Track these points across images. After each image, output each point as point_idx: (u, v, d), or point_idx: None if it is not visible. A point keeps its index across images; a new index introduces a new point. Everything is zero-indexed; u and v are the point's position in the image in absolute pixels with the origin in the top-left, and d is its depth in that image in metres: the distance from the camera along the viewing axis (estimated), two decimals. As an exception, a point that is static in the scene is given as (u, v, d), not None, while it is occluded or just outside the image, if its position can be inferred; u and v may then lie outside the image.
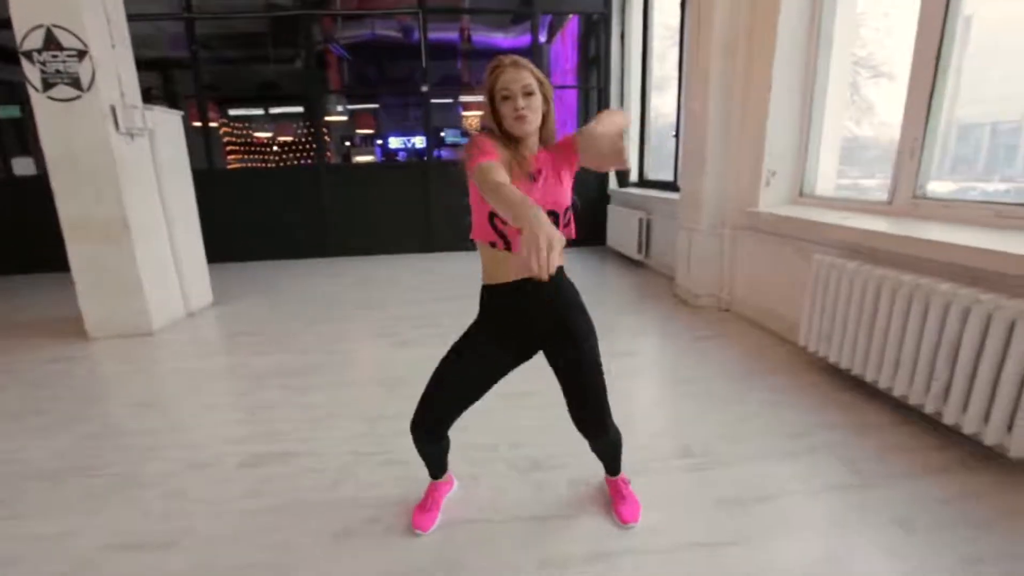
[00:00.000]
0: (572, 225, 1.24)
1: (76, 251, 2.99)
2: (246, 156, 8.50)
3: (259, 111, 9.12)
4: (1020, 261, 1.53)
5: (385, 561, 1.32)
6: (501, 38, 8.67)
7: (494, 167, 1.04)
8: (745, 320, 3.16)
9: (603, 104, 5.98)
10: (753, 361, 2.54)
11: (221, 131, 8.16)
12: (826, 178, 2.90)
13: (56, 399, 2.33)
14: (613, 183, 5.94)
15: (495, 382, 1.32)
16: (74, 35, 2.72)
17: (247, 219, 5.59)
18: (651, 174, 5.51)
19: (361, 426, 2.01)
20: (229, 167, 7.95)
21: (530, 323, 1.26)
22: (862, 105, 3.03)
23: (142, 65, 6.72)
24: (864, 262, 2.09)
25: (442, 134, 10.50)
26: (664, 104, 5.38)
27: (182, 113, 3.52)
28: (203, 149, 5.37)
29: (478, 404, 1.30)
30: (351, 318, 3.48)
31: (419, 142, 10.55)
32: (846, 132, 2.94)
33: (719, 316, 3.28)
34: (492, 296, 1.27)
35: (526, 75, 1.14)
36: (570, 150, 1.21)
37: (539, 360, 1.34)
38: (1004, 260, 1.58)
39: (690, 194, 3.46)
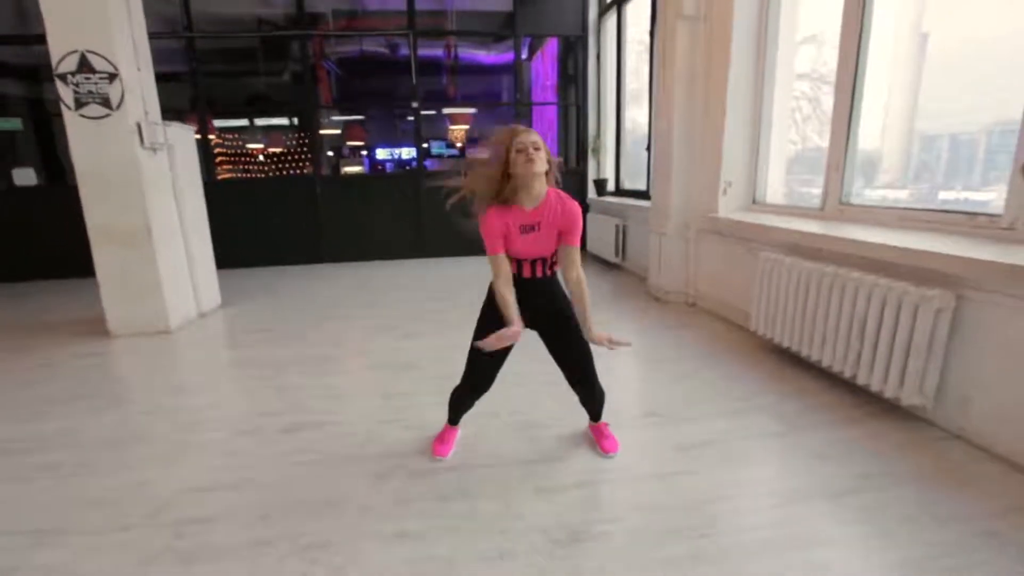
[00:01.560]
0: (558, 262, 1.68)
1: (102, 255, 3.25)
2: (236, 167, 8.70)
3: (244, 122, 9.35)
4: (909, 254, 1.95)
5: (417, 490, 1.66)
6: (484, 55, 9.12)
7: (498, 262, 1.60)
8: (708, 313, 3.59)
9: (582, 119, 6.43)
10: (713, 344, 2.95)
11: (212, 143, 8.36)
12: (774, 188, 3.36)
13: (98, 386, 2.60)
14: (592, 192, 6.38)
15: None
16: (106, 59, 3.01)
17: (245, 227, 5.83)
18: (627, 183, 5.96)
19: (379, 401, 2.34)
20: (219, 177, 8.15)
21: (530, 310, 1.67)
22: (823, 118, 3.49)
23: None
24: (800, 258, 2.52)
25: (424, 145, 10.87)
26: (640, 115, 5.84)
27: (194, 128, 3.80)
28: (203, 161, 5.61)
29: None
30: (354, 316, 3.79)
31: (405, 153, 10.89)
32: (810, 143, 3.38)
33: (686, 310, 3.70)
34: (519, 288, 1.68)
35: (535, 138, 1.55)
36: (567, 231, 1.62)
37: (529, 347, 1.73)
38: (900, 253, 2.01)
39: (659, 202, 3.90)
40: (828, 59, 3.24)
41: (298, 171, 8.89)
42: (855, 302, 2.15)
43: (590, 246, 6.08)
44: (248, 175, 8.90)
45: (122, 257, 3.25)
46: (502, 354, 1.70)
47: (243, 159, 8.77)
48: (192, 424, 2.17)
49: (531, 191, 1.56)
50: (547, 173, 1.59)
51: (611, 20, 5.79)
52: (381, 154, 11.00)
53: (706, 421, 2.08)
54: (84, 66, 3.00)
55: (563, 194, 1.63)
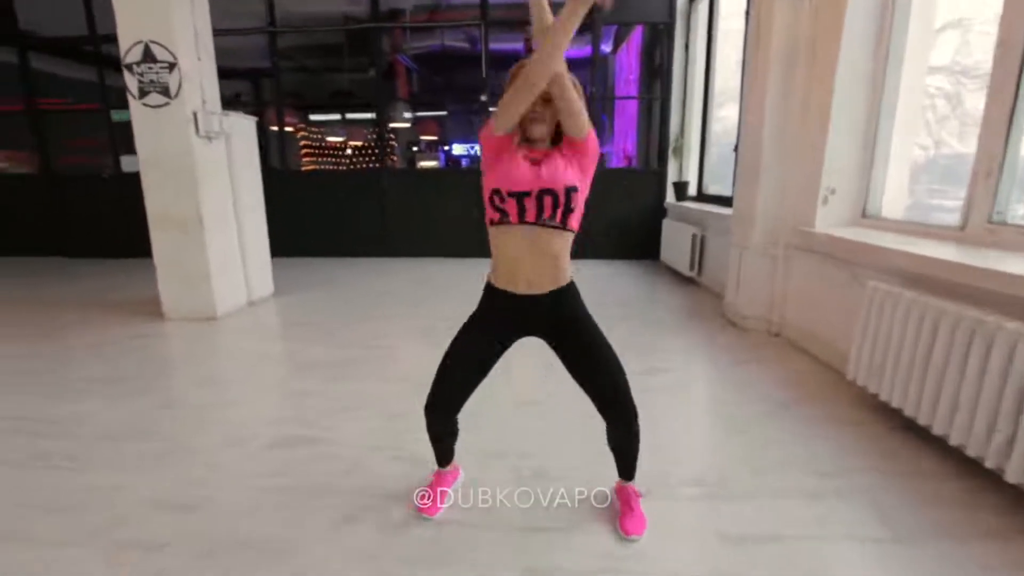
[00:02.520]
0: (577, 212, 1.26)
1: (158, 241, 3.34)
2: (320, 159, 9.08)
3: (336, 117, 9.74)
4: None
5: (377, 549, 1.37)
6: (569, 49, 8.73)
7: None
8: (794, 346, 2.96)
9: (665, 115, 5.84)
10: (794, 389, 2.38)
11: (298, 135, 8.78)
12: (893, 198, 2.67)
13: (132, 371, 2.62)
14: (671, 196, 5.79)
15: (502, 351, 1.39)
16: (167, 49, 3.06)
17: (313, 217, 5.97)
18: (710, 188, 5.31)
19: (379, 421, 2.09)
20: (303, 168, 8.56)
21: (534, 324, 1.34)
22: (966, 119, 2.78)
23: (235, 74, 7.38)
24: (926, 293, 1.91)
25: None
26: (731, 114, 5.17)
27: (255, 119, 3.84)
28: (279, 151, 5.82)
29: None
30: (398, 316, 3.63)
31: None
32: (946, 148, 2.70)
33: (767, 340, 3.10)
34: (499, 299, 1.32)
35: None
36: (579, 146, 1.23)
37: (558, 366, 1.38)
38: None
39: (743, 209, 3.31)
40: (976, 49, 2.56)
41: (377, 164, 9.11)
42: (1009, 364, 1.54)
43: (663, 255, 5.51)
44: (335, 167, 9.27)
45: (175, 243, 3.33)
46: (475, 372, 1.37)
47: (325, 152, 9.14)
48: (193, 424, 2.07)
49: (538, 145, 1.25)
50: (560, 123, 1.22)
51: (703, 5, 5.16)
52: (458, 149, 11.01)
53: (772, 501, 1.58)
54: (147, 56, 3.08)
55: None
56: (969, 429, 1.66)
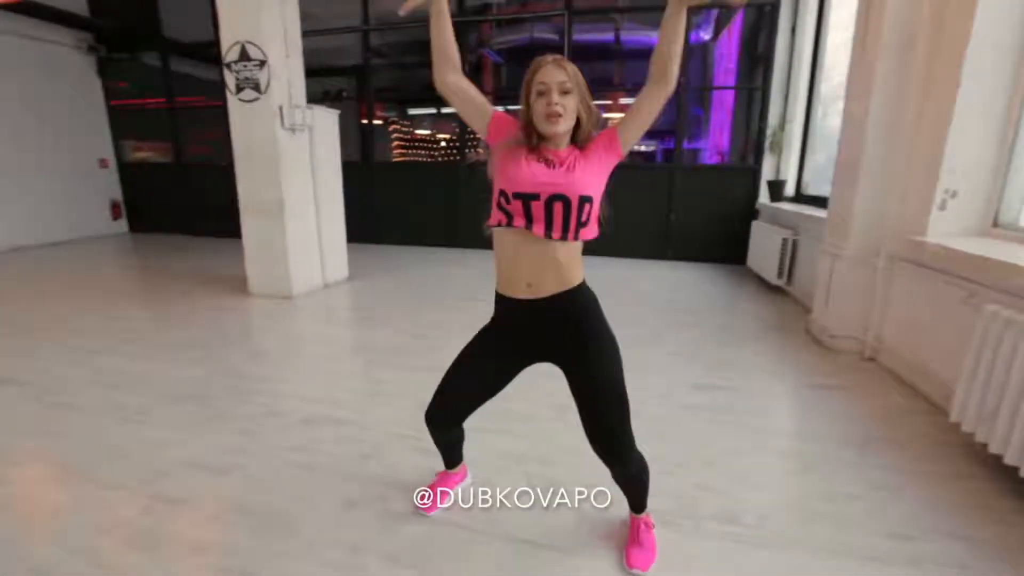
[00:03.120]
0: (592, 224, 1.13)
1: (247, 224, 3.67)
2: (410, 151, 9.49)
3: (433, 111, 10.10)
4: None
5: (375, 538, 1.37)
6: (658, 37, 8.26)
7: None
8: (890, 374, 2.53)
9: (764, 107, 5.31)
10: (880, 426, 2.02)
11: (390, 128, 9.24)
12: (1039, 205, 2.16)
13: (206, 339, 2.90)
14: (764, 196, 5.25)
15: (506, 382, 1.29)
16: (259, 48, 3.33)
17: (392, 207, 6.23)
18: (810, 188, 4.73)
19: (410, 409, 2.09)
20: (395, 159, 9.00)
21: (540, 336, 1.21)
22: None
23: (341, 71, 7.92)
24: (1058, 323, 1.51)
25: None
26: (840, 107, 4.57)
27: (338, 112, 4.06)
28: (363, 143, 6.15)
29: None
30: (457, 308, 3.66)
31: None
32: None
33: (857, 364, 2.68)
34: (504, 306, 1.22)
35: (565, 74, 1.08)
36: (610, 137, 1.13)
37: None
38: None
39: (838, 212, 2.88)
40: None
41: (458, 157, 9.33)
42: None
43: (750, 260, 5.02)
44: (426, 159, 9.65)
45: (261, 227, 3.63)
46: (478, 386, 1.28)
47: (415, 144, 9.53)
48: (243, 394, 2.22)
49: (553, 140, 1.13)
50: (578, 136, 1.13)
51: (815, -19, 4.59)
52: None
53: (821, 559, 1.33)
54: (243, 55, 3.37)
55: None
56: (1111, 505, 1.28)
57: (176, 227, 6.92)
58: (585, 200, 1.09)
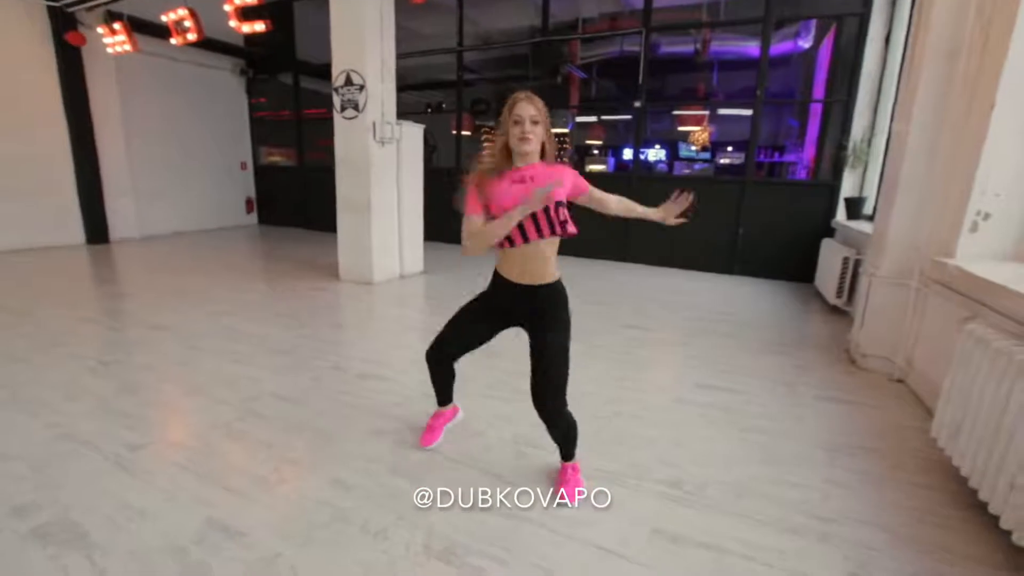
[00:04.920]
0: (570, 222, 1.50)
1: (341, 219, 4.42)
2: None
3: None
4: None
5: (377, 455, 1.84)
6: (753, 47, 8.03)
7: (471, 221, 1.52)
8: (914, 398, 2.50)
9: (847, 121, 5.10)
10: (869, 439, 2.09)
11: (482, 137, 9.96)
12: (1077, 231, 2.08)
13: (302, 311, 3.62)
14: (841, 214, 5.05)
15: (490, 337, 1.73)
16: (359, 75, 4.03)
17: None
18: (890, 206, 4.49)
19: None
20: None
21: (519, 308, 1.61)
22: None
23: (441, 84, 8.75)
24: (1019, 341, 1.56)
25: (689, 149, 10.34)
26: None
27: (423, 126, 4.70)
28: (456, 152, 6.82)
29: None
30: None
31: (652, 155, 10.64)
32: None
33: (882, 384, 2.67)
34: (497, 279, 1.64)
35: (535, 109, 1.47)
36: (578, 186, 1.59)
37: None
38: None
39: (879, 231, 2.87)
40: None
41: (544, 167, 9.76)
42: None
43: (817, 280, 4.87)
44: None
45: (352, 222, 4.35)
46: (471, 334, 1.71)
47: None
48: (320, 352, 2.84)
49: (523, 158, 1.52)
50: (545, 152, 1.54)
51: (908, -10, 4.37)
52: (628, 154, 11.04)
53: (737, 520, 1.55)
54: (348, 81, 4.09)
55: (555, 165, 1.57)
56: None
57: (295, 221, 8.16)
58: (558, 204, 1.47)
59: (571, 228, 1.49)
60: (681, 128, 8.30)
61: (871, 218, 4.69)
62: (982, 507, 1.56)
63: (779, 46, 7.65)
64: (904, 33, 4.37)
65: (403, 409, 2.20)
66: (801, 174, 7.68)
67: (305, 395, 2.31)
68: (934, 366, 2.43)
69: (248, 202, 8.36)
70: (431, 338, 1.78)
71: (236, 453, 1.85)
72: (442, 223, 5.76)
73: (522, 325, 1.63)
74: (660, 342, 3.22)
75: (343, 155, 4.27)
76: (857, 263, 3.97)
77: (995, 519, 1.49)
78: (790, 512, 1.60)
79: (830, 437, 2.09)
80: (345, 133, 4.22)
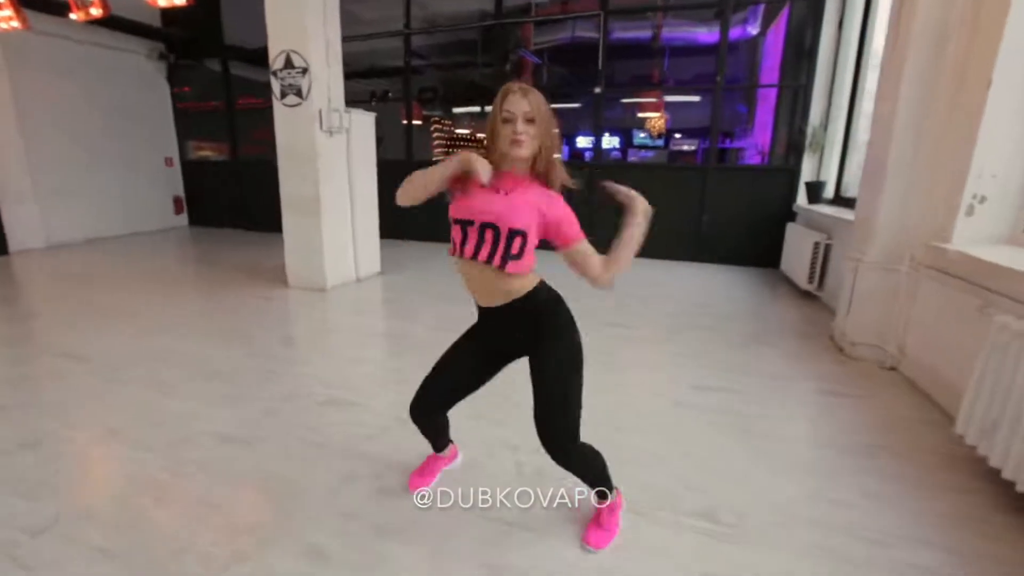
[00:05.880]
0: (525, 260, 1.18)
1: (287, 218, 3.95)
2: (450, 149, 9.76)
3: (476, 109, 10.30)
4: None
5: (366, 509, 1.51)
6: (704, 33, 8.05)
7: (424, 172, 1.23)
8: (910, 385, 2.44)
9: (805, 105, 5.13)
10: (884, 436, 1.98)
11: (432, 127, 9.52)
12: (1074, 212, 2.04)
13: (245, 325, 3.17)
14: (803, 198, 5.08)
15: (484, 380, 1.39)
16: (301, 57, 3.57)
17: (429, 204, 6.44)
18: (851, 190, 4.54)
19: (417, 397, 2.25)
20: (435, 158, 9.27)
21: (502, 333, 1.30)
22: None
23: (386, 72, 8.23)
24: (1064, 336, 1.45)
25: (640, 135, 10.33)
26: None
27: (374, 115, 4.28)
28: (406, 142, 6.39)
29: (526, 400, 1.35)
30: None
31: (607, 142, 10.59)
32: None
33: (876, 373, 2.60)
34: (477, 309, 1.33)
35: (530, 104, 1.14)
36: (556, 230, 1.20)
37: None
38: None
39: (863, 216, 2.80)
40: None
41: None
42: None
43: (783, 264, 4.89)
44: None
45: (299, 222, 3.90)
46: (460, 379, 1.38)
47: (455, 143, 9.77)
48: (268, 375, 2.44)
49: (513, 165, 1.19)
50: (537, 163, 1.19)
51: (863, -26, 4.39)
52: (582, 142, 10.93)
53: (794, 561, 1.36)
54: (288, 63, 3.62)
55: (551, 192, 1.21)
56: (1103, 525, 1.24)
57: (232, 221, 7.44)
58: (515, 233, 1.14)
59: (518, 267, 1.17)
60: (640, 115, 8.21)
61: (832, 202, 4.74)
62: (1033, 514, 1.45)
63: (715, 33, 7.72)
64: (860, 17, 4.38)
65: (378, 444, 1.88)
66: (752, 159, 7.82)
67: (255, 433, 1.93)
68: (930, 352, 2.37)
69: (176, 201, 7.54)
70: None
71: (172, 522, 1.46)
72: (398, 219, 5.37)
73: (518, 355, 1.33)
74: (644, 340, 3.04)
75: (286, 147, 3.80)
76: (828, 248, 3.97)
77: (1051, 528, 1.37)
78: (841, 537, 1.43)
79: (845, 438, 1.96)
80: (287, 122, 3.75)
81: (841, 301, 2.98)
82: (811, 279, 4.07)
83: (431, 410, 1.44)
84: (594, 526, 1.39)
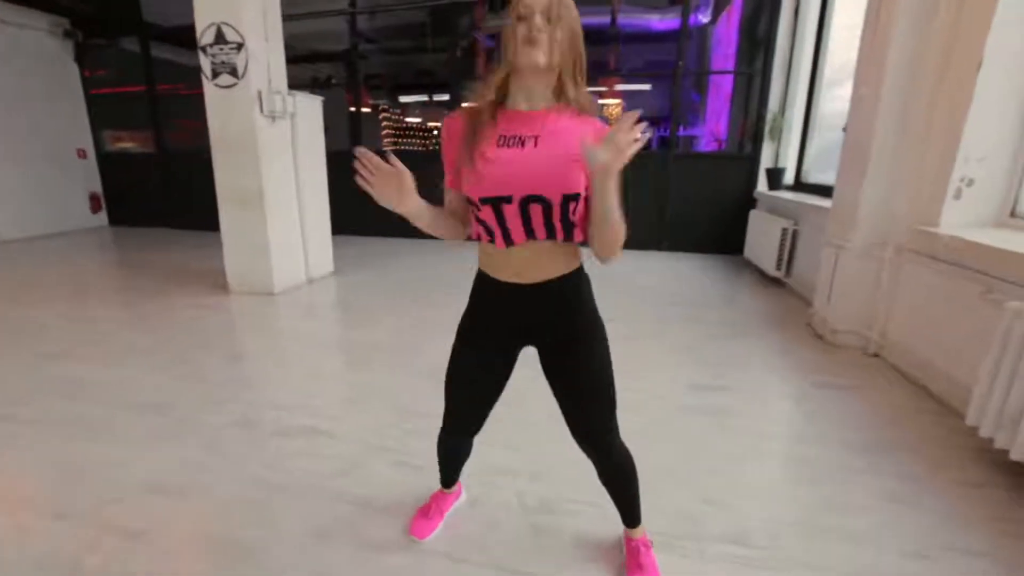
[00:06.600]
0: (579, 225, 0.95)
1: (225, 216, 3.50)
2: (401, 140, 9.28)
3: (424, 97, 9.85)
4: None
5: (345, 570, 1.23)
6: (657, 20, 8.03)
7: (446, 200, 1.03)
8: (897, 372, 2.41)
9: (764, 92, 5.14)
10: (889, 430, 1.90)
11: (380, 116, 9.02)
12: (1060, 194, 2.03)
13: (180, 342, 2.74)
14: (763, 184, 5.12)
15: (508, 369, 1.12)
16: (235, 30, 3.13)
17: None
18: (811, 176, 4.60)
19: (390, 416, 1.97)
20: (383, 149, 8.79)
21: (518, 316, 1.04)
22: None
23: (330, 56, 7.66)
24: (1092, 324, 1.38)
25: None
26: (845, 94, 4.43)
27: (322, 99, 3.88)
28: (351, 131, 5.95)
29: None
30: (443, 304, 3.51)
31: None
32: None
33: (861, 360, 2.57)
34: (482, 283, 1.07)
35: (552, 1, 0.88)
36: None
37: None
38: None
39: (845, 202, 2.75)
40: None
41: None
42: None
43: (747, 251, 4.90)
44: (419, 148, 9.42)
45: (239, 219, 3.46)
46: (486, 386, 1.13)
47: (406, 132, 9.32)
48: (209, 401, 2.08)
49: (529, 91, 0.93)
50: (563, 84, 0.92)
51: (820, -39, 4.41)
52: (538, 133, 10.72)
53: (832, 582, 1.22)
54: (219, 38, 3.17)
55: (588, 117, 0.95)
56: None
57: (160, 219, 6.71)
58: (570, 198, 0.89)
59: (582, 232, 0.96)
60: (600, 102, 8.09)
61: (792, 188, 4.79)
62: (1067, 511, 1.38)
63: (675, 21, 7.73)
64: (819, 7, 4.40)
65: (352, 479, 1.59)
66: (708, 147, 7.90)
67: (198, 478, 1.60)
68: (917, 339, 2.34)
69: (93, 199, 6.71)
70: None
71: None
72: (348, 212, 4.97)
73: (533, 343, 1.08)
74: (635, 335, 2.88)
75: (221, 134, 3.35)
76: (795, 234, 3.97)
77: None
78: (876, 554, 1.30)
79: (853, 435, 1.87)
80: (221, 106, 3.30)
81: (820, 288, 2.94)
82: (779, 265, 4.07)
83: (467, 434, 1.22)
84: (636, 570, 1.17)
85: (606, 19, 7.01)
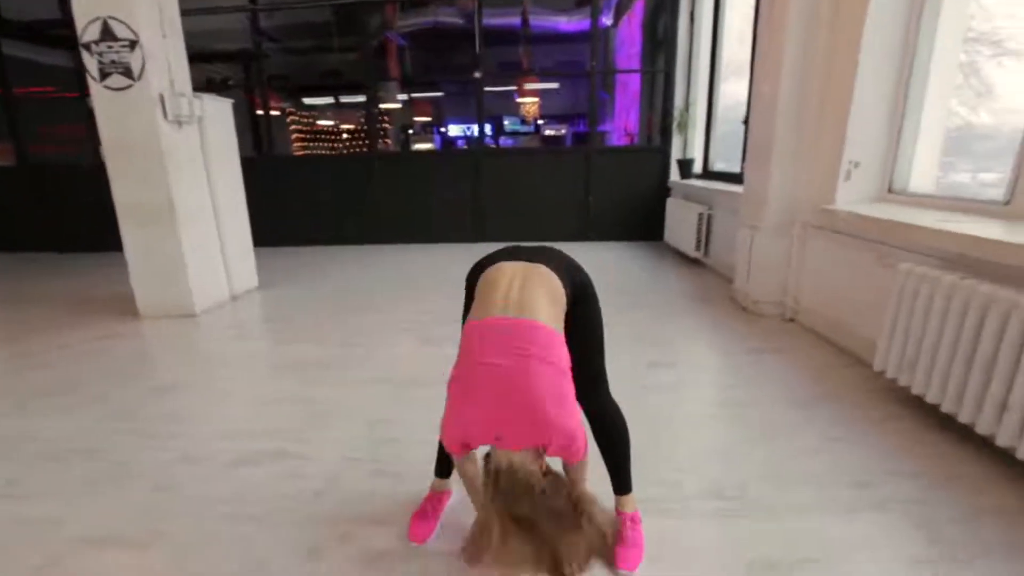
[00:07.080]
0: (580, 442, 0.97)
1: (128, 233, 3.13)
2: (312, 144, 8.80)
3: (330, 99, 9.39)
4: None
5: (345, 592, 1.19)
6: (564, 22, 8.34)
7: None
8: (812, 333, 2.74)
9: (668, 90, 5.54)
10: (816, 384, 2.17)
11: (288, 119, 8.50)
12: (923, 172, 2.43)
13: (91, 378, 2.42)
14: (675, 174, 5.52)
15: None
16: (127, 26, 2.81)
17: (299, 205, 5.74)
18: (717, 165, 5.04)
19: (360, 428, 1.90)
20: (296, 154, 8.29)
21: None
22: (980, 88, 2.53)
23: (224, 56, 7.06)
24: (965, 276, 1.68)
25: (506, 122, 10.36)
26: (740, 89, 4.89)
27: (232, 101, 3.59)
28: (261, 136, 5.56)
29: None
30: (383, 309, 3.41)
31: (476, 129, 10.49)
32: (958, 119, 2.45)
33: (781, 326, 2.88)
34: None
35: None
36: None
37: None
38: None
39: (754, 188, 3.06)
40: (992, 13, 2.32)
41: (367, 148, 8.82)
42: (1076, 358, 1.32)
43: (667, 236, 5.28)
44: (330, 152, 8.97)
45: (146, 236, 3.12)
46: None
47: (317, 136, 8.85)
48: (148, 439, 1.87)
49: None
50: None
51: (710, -30, 4.83)
52: (454, 130, 10.69)
53: (803, 518, 1.38)
54: (107, 34, 2.83)
55: None
56: (1021, 429, 1.45)
57: (34, 243, 5.82)
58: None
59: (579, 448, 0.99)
60: (519, 100, 8.24)
61: (701, 176, 5.22)
62: (963, 428, 1.68)
63: (584, 22, 8.09)
64: (712, 10, 4.82)
65: (334, 498, 1.52)
66: (619, 141, 8.36)
67: (151, 525, 1.43)
68: (826, 302, 2.68)
69: (-63, 225, 5.66)
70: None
71: None
72: (270, 223, 4.67)
73: None
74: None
75: (116, 143, 2.98)
76: (710, 217, 4.35)
77: (972, 431, 1.59)
78: (831, 488, 1.49)
79: (789, 393, 2.10)
80: (114, 111, 2.94)
81: (739, 266, 3.26)
82: (698, 247, 4.43)
83: None
84: (620, 542, 1.24)
85: (518, 19, 7.16)
